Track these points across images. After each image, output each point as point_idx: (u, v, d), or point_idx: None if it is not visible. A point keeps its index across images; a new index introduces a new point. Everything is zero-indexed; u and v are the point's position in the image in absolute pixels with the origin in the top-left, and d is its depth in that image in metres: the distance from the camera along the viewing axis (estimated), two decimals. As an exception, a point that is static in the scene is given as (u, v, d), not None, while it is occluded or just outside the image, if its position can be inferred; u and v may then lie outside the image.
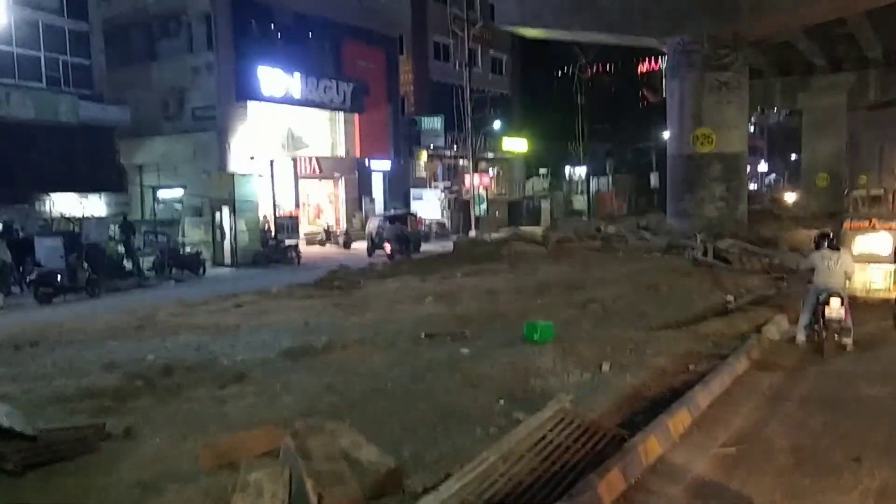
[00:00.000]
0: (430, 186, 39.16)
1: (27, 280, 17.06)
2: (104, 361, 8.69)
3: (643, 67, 47.97)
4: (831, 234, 9.83)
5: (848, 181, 39.77)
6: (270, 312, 12.30)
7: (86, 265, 17.20)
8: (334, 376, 7.61)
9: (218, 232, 24.51)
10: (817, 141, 37.23)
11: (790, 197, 44.49)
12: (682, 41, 20.75)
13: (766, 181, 65.20)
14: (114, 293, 17.60)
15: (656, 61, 41.78)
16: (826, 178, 36.31)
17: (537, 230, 27.60)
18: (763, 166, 67.53)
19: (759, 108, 44.48)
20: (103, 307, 14.50)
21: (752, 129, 51.16)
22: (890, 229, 11.46)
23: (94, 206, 25.13)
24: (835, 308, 8.92)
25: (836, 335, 9.00)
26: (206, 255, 23.16)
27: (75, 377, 7.96)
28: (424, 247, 27.94)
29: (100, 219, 21.30)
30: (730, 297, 12.26)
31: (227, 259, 24.30)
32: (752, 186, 47.82)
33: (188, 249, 22.67)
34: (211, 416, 6.42)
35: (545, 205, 40.91)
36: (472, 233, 32.58)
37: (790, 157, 63.44)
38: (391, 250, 24.30)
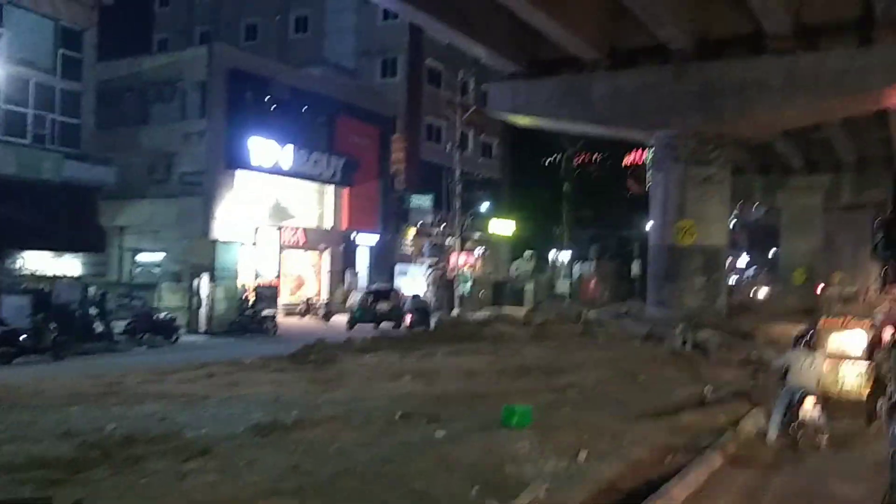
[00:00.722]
0: (416, 263, 39.22)
1: None
2: (61, 429, 8.36)
3: (629, 158, 49.07)
4: (809, 335, 9.99)
5: (823, 278, 40.45)
6: (242, 384, 12.04)
7: (53, 326, 16.83)
8: (303, 455, 7.39)
9: (195, 299, 24.23)
10: (795, 238, 38.16)
11: (768, 291, 45.07)
12: (668, 136, 21.33)
13: (746, 275, 66.10)
14: (81, 356, 17.20)
15: (642, 153, 42.78)
16: (802, 275, 36.98)
17: (520, 312, 27.54)
18: (743, 260, 68.63)
19: (740, 203, 45.57)
20: (67, 370, 14.14)
21: (733, 223, 52.07)
22: (863, 327, 11.63)
23: (69, 265, 24.83)
24: (809, 409, 9.03)
25: (812, 434, 9.08)
26: (182, 321, 22.84)
27: (27, 444, 7.65)
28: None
29: (73, 279, 20.97)
30: (708, 389, 12.17)
31: (203, 327, 23.98)
32: (733, 279, 48.38)
33: (163, 315, 22.37)
34: (169, 492, 6.17)
35: (529, 287, 41.02)
36: (456, 311, 32.44)
37: (769, 252, 64.61)
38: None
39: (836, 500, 7.22)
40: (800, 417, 9.01)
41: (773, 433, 9.22)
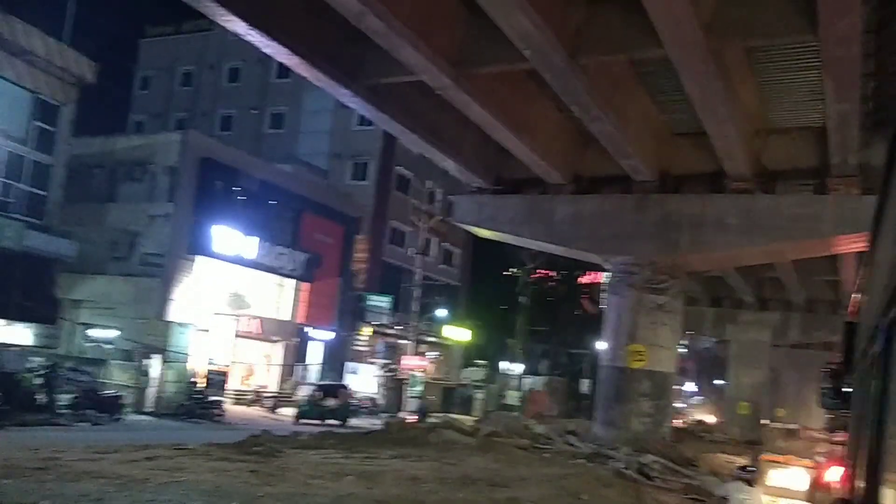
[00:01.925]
0: (368, 362, 38.99)
1: None
2: None
3: (586, 278, 50.14)
4: (748, 470, 10.19)
5: (767, 412, 40.95)
6: (183, 470, 11.69)
7: (-1, 394, 16.42)
8: None
9: (144, 378, 23.77)
10: (742, 371, 38.74)
11: (713, 421, 45.39)
12: (624, 262, 21.91)
13: (692, 402, 66.60)
14: (20, 427, 16.63)
15: (598, 274, 43.72)
16: (747, 408, 37.38)
17: (469, 420, 27.36)
18: (690, 387, 69.29)
19: (691, 332, 46.46)
20: (6, 441, 13.71)
21: (683, 350, 52.95)
22: (806, 467, 11.74)
23: (19, 334, 24.27)
24: None
25: None
26: (128, 400, 22.30)
27: None
28: (353, 421, 27.42)
29: (21, 348, 20.50)
30: None
31: (150, 407, 23.43)
32: (679, 405, 48.81)
33: (110, 392, 21.84)
34: None
35: (479, 395, 40.86)
36: (404, 414, 32.12)
37: (716, 381, 65.37)
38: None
39: None
40: None
41: None
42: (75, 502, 8.55)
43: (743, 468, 10.34)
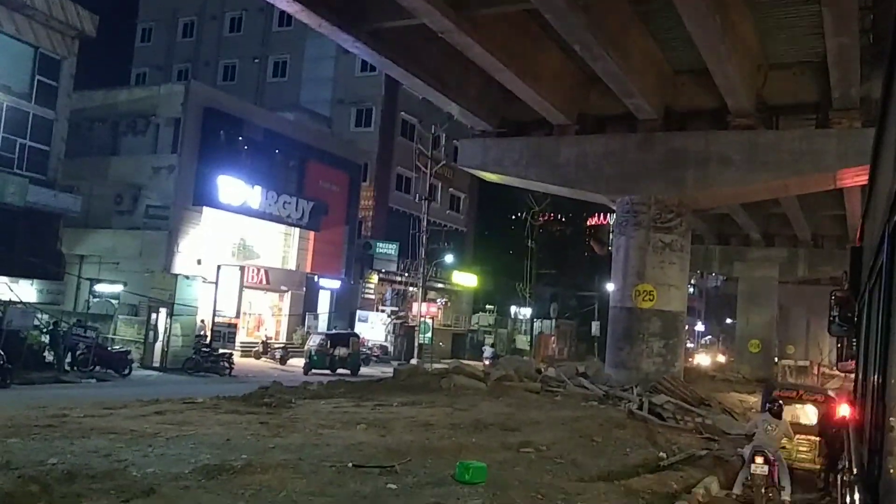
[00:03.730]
0: (377, 310, 39.10)
1: None
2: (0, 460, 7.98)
3: (592, 220, 49.93)
4: (775, 403, 10.38)
5: (777, 350, 41.09)
6: (192, 423, 11.70)
7: (1, 352, 16.37)
8: (250, 500, 7.16)
9: (151, 333, 23.79)
10: (751, 309, 38.76)
11: (724, 359, 45.65)
12: (630, 202, 21.78)
13: (702, 342, 66.96)
14: (28, 385, 16.71)
15: (605, 216, 43.49)
16: (758, 346, 37.49)
17: (479, 365, 27.47)
18: (700, 327, 69.59)
19: (699, 271, 46.37)
20: (12, 399, 13.69)
21: (691, 290, 52.98)
22: (815, 402, 11.78)
23: (24, 291, 24.29)
24: (759, 464, 9.62)
25: (762, 490, 9.59)
26: (136, 355, 22.35)
27: None
28: (364, 370, 27.55)
29: (27, 305, 20.46)
30: (662, 455, 12.18)
31: (157, 362, 23.51)
32: (689, 345, 49.04)
33: (117, 347, 21.86)
34: None
35: (489, 341, 41.06)
36: (414, 360, 32.27)
37: (725, 320, 65.58)
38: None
39: None
40: (751, 472, 9.67)
41: (737, 488, 10.04)
42: (84, 459, 8.48)
43: (770, 401, 10.67)
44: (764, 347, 37.46)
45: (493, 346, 38.87)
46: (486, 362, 31.15)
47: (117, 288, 27.65)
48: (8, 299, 19.88)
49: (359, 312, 37.71)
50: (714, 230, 37.30)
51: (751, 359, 37.24)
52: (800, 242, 37.08)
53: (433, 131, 36.65)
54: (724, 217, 34.03)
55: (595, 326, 44.86)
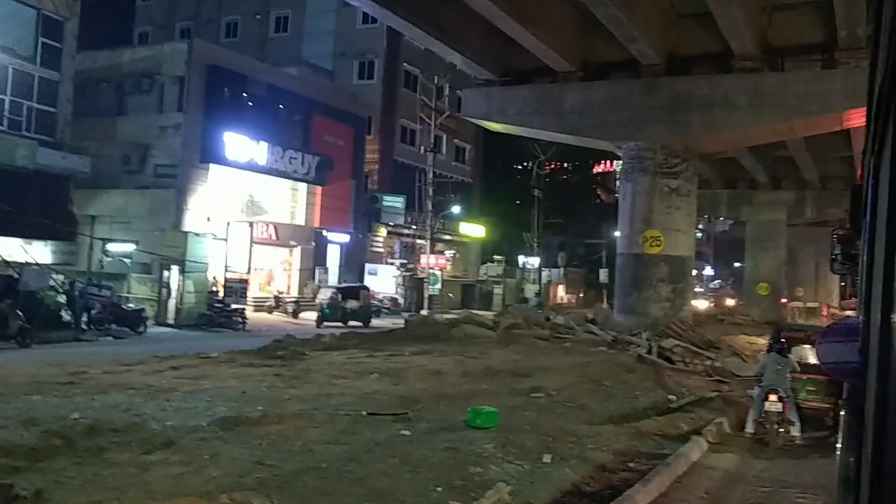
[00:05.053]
0: (386, 262, 39.30)
1: None
2: (24, 417, 8.20)
3: (599, 168, 49.71)
4: (784, 342, 10.60)
5: (787, 292, 41.19)
6: (208, 378, 11.97)
7: (20, 313, 16.62)
8: (266, 450, 7.34)
9: (164, 290, 24.05)
10: (759, 252, 38.78)
11: (732, 302, 45.76)
12: (636, 148, 21.70)
13: (711, 286, 67.10)
14: (47, 344, 17.01)
15: (611, 163, 43.30)
16: (766, 288, 37.58)
17: (488, 314, 27.72)
18: (708, 271, 69.69)
19: (706, 216, 46.26)
20: (32, 358, 13.97)
21: (699, 235, 52.92)
22: None
23: (38, 252, 24.51)
24: (773, 401, 9.91)
25: (776, 426, 9.88)
26: (150, 313, 22.65)
27: None
28: (375, 322, 27.85)
29: (42, 266, 20.70)
30: (672, 397, 12.36)
31: (171, 319, 23.81)
32: (698, 290, 49.14)
33: (131, 306, 22.14)
34: (132, 482, 6.07)
35: (498, 290, 41.33)
36: (424, 312, 32.56)
37: (734, 264, 65.59)
38: None
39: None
40: (765, 409, 9.96)
41: (749, 427, 10.24)
42: (105, 413, 8.69)
43: (777, 340, 10.89)
44: (773, 290, 37.57)
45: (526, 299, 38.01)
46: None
47: (129, 247, 27.92)
48: (23, 261, 20.11)
49: (368, 266, 37.93)
50: (721, 174, 37.10)
51: (760, 301, 37.39)
52: (807, 185, 36.88)
53: (436, 82, 36.32)
54: (730, 161, 33.83)
55: (603, 274, 45.04)
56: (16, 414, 8.38)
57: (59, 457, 6.78)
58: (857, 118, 19.85)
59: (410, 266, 38.97)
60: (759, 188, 37.77)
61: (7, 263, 19.48)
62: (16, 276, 18.59)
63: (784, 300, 39.03)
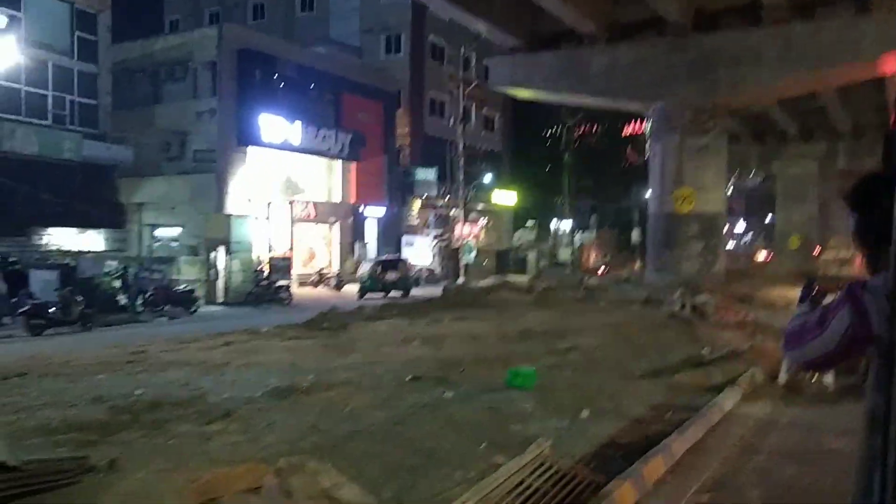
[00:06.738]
0: (422, 234, 39.71)
1: (19, 311, 17.06)
2: (92, 395, 8.56)
3: (628, 129, 49.15)
4: (815, 290, 10.52)
5: (819, 244, 40.68)
6: (259, 352, 12.36)
7: (80, 298, 17.37)
8: (318, 416, 7.56)
9: (212, 271, 24.76)
10: (791, 205, 38.28)
11: (765, 257, 45.23)
12: (664, 107, 21.57)
13: (743, 241, 66.20)
14: (106, 328, 17.69)
15: (640, 124, 42.81)
16: (799, 241, 37.10)
17: (523, 280, 27.96)
18: (740, 226, 68.75)
19: (737, 171, 45.66)
20: (95, 341, 14.57)
21: (730, 191, 52.23)
22: None
23: (91, 241, 25.43)
24: None
25: (808, 374, 9.95)
26: (200, 293, 23.33)
27: (61, 409, 7.80)
28: (414, 292, 28.32)
29: (96, 254, 21.57)
30: (705, 351, 12.48)
31: (220, 298, 24.53)
32: (730, 245, 48.66)
33: (182, 287, 22.92)
34: (195, 451, 6.27)
35: (531, 255, 41.46)
36: (461, 280, 32.95)
37: (766, 218, 64.63)
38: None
39: (828, 455, 7.25)
40: None
41: (782, 377, 10.27)
42: (166, 389, 9.08)
43: (809, 291, 10.78)
44: (805, 242, 37.16)
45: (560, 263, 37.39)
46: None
47: (176, 231, 28.74)
48: (78, 250, 20.95)
49: (405, 238, 38.37)
50: (750, 129, 36.56)
51: (792, 254, 37.02)
52: (839, 135, 36.15)
53: (462, 53, 36.28)
54: (760, 116, 33.31)
55: (636, 234, 44.84)
56: (85, 393, 8.70)
57: (127, 430, 6.99)
58: (892, 63, 19.46)
59: (445, 236, 39.34)
60: (789, 141, 37.15)
61: (63, 253, 20.31)
62: (73, 264, 19.41)
63: (816, 252, 38.58)
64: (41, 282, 18.37)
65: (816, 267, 34.48)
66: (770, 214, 58.07)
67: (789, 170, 37.83)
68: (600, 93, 23.09)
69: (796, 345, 2.27)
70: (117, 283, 19.64)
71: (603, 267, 39.94)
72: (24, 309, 16.78)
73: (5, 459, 5.12)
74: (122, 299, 19.67)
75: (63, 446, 6.33)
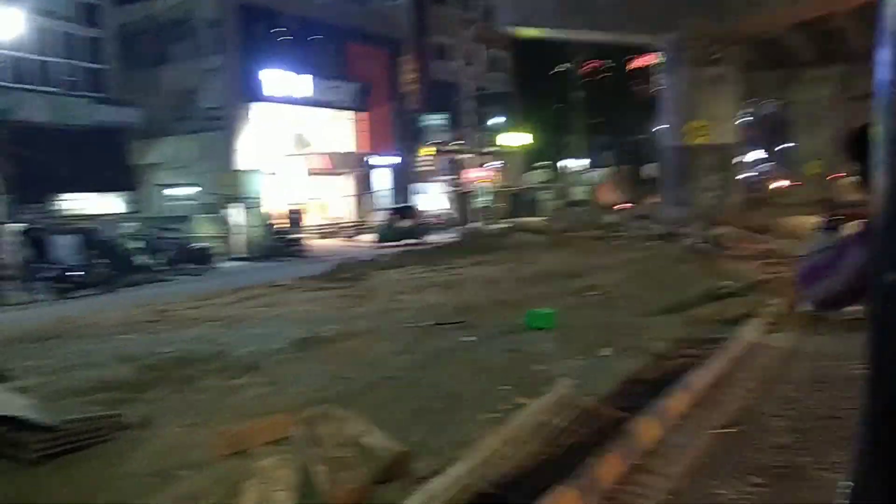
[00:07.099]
0: (435, 180, 39.58)
1: (45, 276, 17.35)
2: (120, 354, 8.72)
3: (637, 63, 48.20)
4: (835, 218, 10.30)
5: (838, 170, 40.09)
6: (279, 304, 12.51)
7: (103, 261, 17.64)
8: (342, 365, 7.67)
9: (227, 227, 24.91)
10: (808, 131, 37.66)
11: (783, 184, 44.73)
12: (675, 39, 21.11)
13: (761, 169, 65.40)
14: (129, 288, 17.93)
15: (650, 57, 41.93)
16: (817, 166, 36.64)
17: (539, 221, 27.86)
18: (758, 155, 67.84)
19: (752, 100, 44.79)
20: (119, 302, 14.72)
21: (747, 120, 51.40)
22: None
23: (108, 204, 25.61)
24: None
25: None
26: (218, 249, 23.54)
27: (92, 369, 7.96)
28: (430, 237, 28.38)
29: (115, 216, 21.77)
30: (726, 283, 12.37)
31: (237, 253, 24.71)
32: (748, 174, 48.10)
33: (199, 245, 23.06)
34: (224, 405, 6.41)
35: (546, 196, 41.25)
36: (476, 224, 32.93)
37: (783, 145, 63.67)
38: None
39: (851, 381, 6.98)
40: None
41: (804, 307, 9.89)
42: (191, 345, 9.22)
43: (830, 218, 10.57)
44: (824, 168, 36.69)
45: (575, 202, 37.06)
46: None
47: (190, 190, 28.84)
48: (96, 213, 21.15)
49: (418, 185, 38.30)
50: (765, 56, 35.68)
51: (810, 180, 36.60)
52: (859, 56, 35.25)
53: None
54: (774, 41, 32.47)
55: (651, 169, 44.40)
56: (112, 352, 8.88)
57: (156, 388, 7.15)
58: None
59: (458, 181, 39.21)
60: (805, 66, 36.26)
61: (81, 217, 20.50)
62: (93, 228, 19.60)
63: (835, 176, 38.08)
64: (64, 246, 18.58)
65: (837, 192, 34.04)
66: (786, 142, 57.22)
67: (806, 94, 37.06)
68: (609, 27, 22.62)
69: (809, 283, 2.22)
70: (138, 244, 19.86)
71: (619, 204, 39.68)
72: (50, 273, 17.06)
73: (42, 420, 5.29)
74: (144, 259, 19.88)
75: (96, 405, 6.48)
